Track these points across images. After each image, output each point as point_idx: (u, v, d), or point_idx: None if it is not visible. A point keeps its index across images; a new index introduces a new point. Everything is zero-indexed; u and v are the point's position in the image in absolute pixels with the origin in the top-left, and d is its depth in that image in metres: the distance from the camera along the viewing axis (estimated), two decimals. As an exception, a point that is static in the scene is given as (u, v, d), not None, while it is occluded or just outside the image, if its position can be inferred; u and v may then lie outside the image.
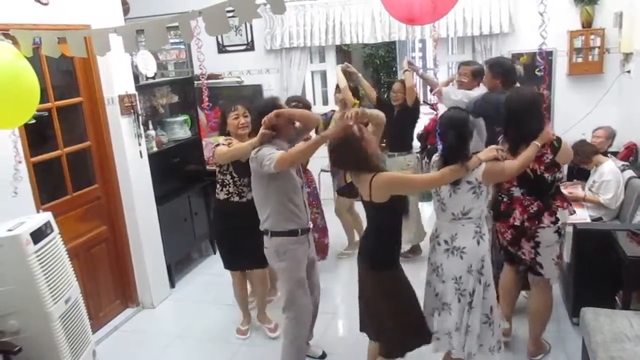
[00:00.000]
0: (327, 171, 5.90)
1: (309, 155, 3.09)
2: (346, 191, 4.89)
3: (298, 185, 3.16)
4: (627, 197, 4.22)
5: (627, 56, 5.20)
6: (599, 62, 5.57)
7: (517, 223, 3.11)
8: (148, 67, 4.68)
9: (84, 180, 4.10)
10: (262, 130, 3.01)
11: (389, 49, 10.61)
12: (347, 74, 4.73)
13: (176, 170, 5.15)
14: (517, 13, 5.66)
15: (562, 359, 3.40)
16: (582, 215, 4.04)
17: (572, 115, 5.57)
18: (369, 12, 5.99)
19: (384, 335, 2.85)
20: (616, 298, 3.35)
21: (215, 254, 5.44)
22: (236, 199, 3.64)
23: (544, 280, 3.21)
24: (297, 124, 3.19)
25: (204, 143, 5.63)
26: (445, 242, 2.85)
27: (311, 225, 3.33)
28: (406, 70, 4.77)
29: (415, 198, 4.95)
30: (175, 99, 5.36)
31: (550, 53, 5.52)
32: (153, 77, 4.85)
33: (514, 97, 3.15)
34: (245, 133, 3.52)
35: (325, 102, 6.94)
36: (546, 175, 3.05)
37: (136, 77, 4.51)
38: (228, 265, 3.87)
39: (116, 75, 4.10)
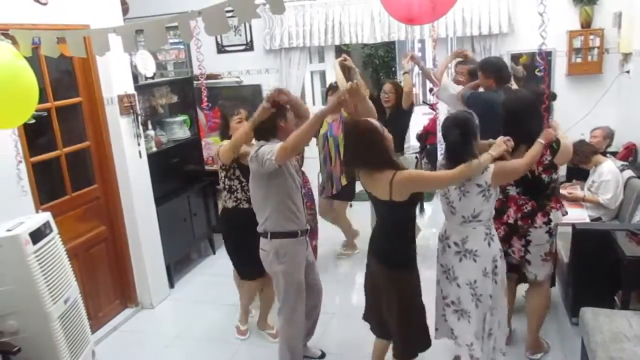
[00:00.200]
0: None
1: (308, 138, 2.98)
2: (344, 194, 4.91)
3: (298, 184, 3.15)
4: (626, 197, 4.22)
5: (626, 56, 5.20)
6: (598, 62, 5.58)
7: (511, 221, 3.14)
8: (147, 67, 4.68)
9: (83, 180, 4.10)
10: (262, 104, 3.02)
11: (389, 49, 10.65)
12: (344, 69, 4.72)
13: (175, 171, 5.15)
14: (516, 13, 5.67)
15: (561, 358, 3.40)
16: (581, 216, 4.05)
17: (571, 115, 5.57)
18: (369, 12, 5.99)
19: (401, 336, 2.83)
20: (615, 298, 3.35)
21: (214, 254, 5.44)
22: (245, 205, 3.51)
23: (539, 282, 3.23)
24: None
25: (203, 143, 5.63)
26: (456, 244, 2.85)
27: (309, 227, 3.32)
28: (405, 73, 4.77)
29: None
30: (175, 99, 5.36)
31: (549, 53, 5.53)
32: (152, 77, 4.85)
33: (512, 99, 3.16)
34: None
35: (325, 102, 6.92)
36: (544, 176, 3.08)
37: (135, 77, 4.50)
38: (247, 275, 3.73)
39: (115, 75, 4.10)
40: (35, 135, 3.61)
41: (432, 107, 6.24)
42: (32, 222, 2.93)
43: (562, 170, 4.40)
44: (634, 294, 3.19)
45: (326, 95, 4.85)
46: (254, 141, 3.14)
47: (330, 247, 5.36)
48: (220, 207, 3.96)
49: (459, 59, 4.71)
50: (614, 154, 4.88)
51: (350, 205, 6.61)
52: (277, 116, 3.04)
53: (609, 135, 4.82)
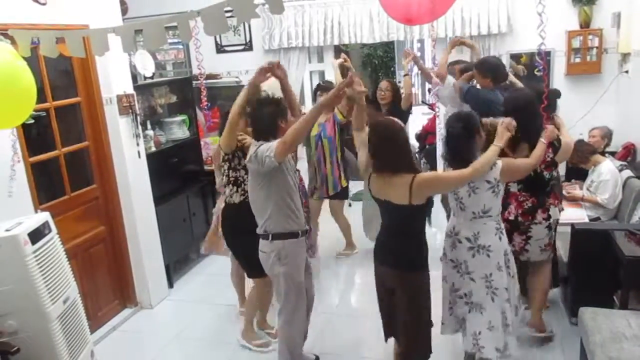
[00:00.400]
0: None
1: (305, 131, 3.00)
2: (340, 194, 4.93)
3: (296, 183, 3.15)
4: (625, 197, 4.23)
5: (625, 56, 5.21)
6: (597, 62, 5.58)
7: (512, 217, 3.21)
8: (146, 67, 4.68)
9: (82, 180, 4.10)
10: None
11: (388, 49, 10.65)
12: (343, 70, 4.72)
13: (174, 171, 5.15)
14: (515, 13, 5.67)
15: (560, 358, 3.40)
16: (580, 215, 4.06)
17: (570, 115, 5.56)
18: (367, 12, 5.99)
19: (408, 339, 2.84)
20: (614, 298, 3.35)
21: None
22: (228, 199, 3.49)
23: (535, 264, 3.35)
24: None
25: (202, 143, 5.63)
26: (468, 239, 2.87)
27: (308, 227, 3.31)
28: (406, 75, 4.78)
29: None
30: (174, 99, 5.36)
31: (548, 53, 5.53)
32: (151, 77, 4.85)
33: (513, 97, 3.19)
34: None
35: (315, 102, 6.94)
36: (545, 173, 3.16)
37: (134, 77, 4.50)
38: (258, 272, 3.42)
39: (114, 75, 4.09)
40: (34, 135, 3.61)
41: (432, 107, 6.23)
42: (31, 222, 2.92)
43: (562, 170, 4.41)
44: (632, 294, 3.19)
45: (315, 95, 4.81)
46: (253, 142, 3.10)
47: (330, 247, 5.36)
48: (219, 204, 3.87)
49: (451, 61, 4.71)
50: (612, 153, 4.89)
51: (350, 205, 6.66)
52: (277, 116, 3.04)
53: (607, 135, 4.83)
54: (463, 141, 2.77)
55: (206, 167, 5.57)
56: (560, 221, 3.40)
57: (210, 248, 4.27)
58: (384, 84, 4.81)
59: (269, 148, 2.86)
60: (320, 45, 6.43)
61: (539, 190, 3.19)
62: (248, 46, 6.62)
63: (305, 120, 2.89)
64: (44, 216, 3.06)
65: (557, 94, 3.44)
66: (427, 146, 6.11)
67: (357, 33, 6.11)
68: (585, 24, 5.56)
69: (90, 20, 3.77)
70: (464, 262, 2.90)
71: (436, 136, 5.83)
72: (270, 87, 3.41)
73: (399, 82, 10.22)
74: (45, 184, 3.73)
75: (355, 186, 7.08)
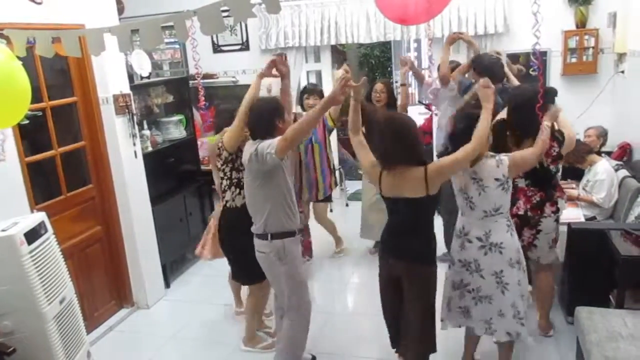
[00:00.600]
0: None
1: (308, 130, 3.01)
2: (327, 197, 4.96)
3: (292, 182, 3.16)
4: (620, 197, 4.24)
5: (621, 56, 5.22)
6: (593, 62, 5.59)
7: (521, 212, 3.27)
8: (143, 66, 4.67)
9: (79, 180, 4.09)
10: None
11: (384, 48, 10.66)
12: None
13: (171, 170, 5.14)
14: (511, 13, 5.67)
15: (556, 358, 3.41)
16: (576, 215, 4.07)
17: (567, 115, 5.57)
18: (364, 12, 5.99)
19: (419, 336, 2.84)
20: (610, 297, 3.36)
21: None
22: (231, 203, 3.44)
23: (544, 266, 3.37)
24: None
25: (199, 143, 5.62)
26: (479, 239, 2.87)
27: (302, 226, 3.31)
28: (403, 85, 4.81)
29: None
30: (170, 98, 5.35)
31: (544, 53, 5.55)
32: (148, 77, 4.84)
33: (517, 93, 3.19)
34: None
35: (301, 106, 6.92)
36: (551, 167, 3.23)
37: (131, 77, 4.50)
38: (254, 278, 3.44)
39: (111, 75, 4.09)
40: (30, 135, 3.60)
41: (428, 107, 6.24)
42: (27, 222, 2.91)
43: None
44: (628, 293, 3.20)
45: (301, 98, 4.77)
46: (250, 141, 3.10)
47: (325, 247, 5.36)
48: (218, 209, 3.80)
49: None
50: (608, 153, 4.90)
51: (347, 205, 6.67)
52: (275, 115, 3.03)
53: (603, 135, 4.85)
54: (466, 136, 2.75)
55: (203, 167, 5.56)
56: (565, 208, 3.51)
57: (208, 253, 4.17)
58: (379, 86, 4.82)
59: (270, 145, 2.86)
60: (317, 45, 6.42)
61: (546, 184, 3.25)
62: (245, 46, 6.61)
63: (308, 119, 2.90)
64: (40, 216, 3.05)
65: (554, 92, 3.46)
66: (424, 146, 6.11)
67: (354, 33, 6.11)
68: (582, 24, 5.57)
69: (86, 20, 3.76)
70: (474, 261, 2.90)
71: (432, 136, 5.83)
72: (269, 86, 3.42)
73: (396, 81, 10.25)
74: (42, 184, 3.73)
75: (353, 186, 7.11)
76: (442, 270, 3.01)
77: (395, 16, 2.67)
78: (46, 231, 3.02)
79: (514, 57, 5.65)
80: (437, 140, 4.82)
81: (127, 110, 4.19)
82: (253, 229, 3.14)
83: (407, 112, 4.85)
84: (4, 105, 2.54)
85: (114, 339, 4.10)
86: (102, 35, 2.56)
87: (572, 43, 5.58)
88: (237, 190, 3.38)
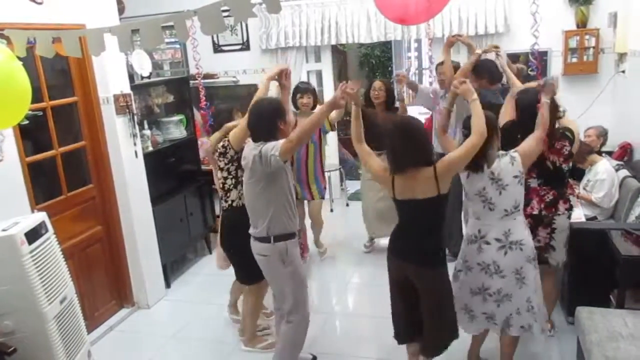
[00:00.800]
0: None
1: (312, 132, 3.03)
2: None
3: (293, 184, 3.16)
4: (621, 197, 4.24)
5: (622, 56, 5.22)
6: (593, 62, 5.59)
7: (536, 212, 3.27)
8: (143, 66, 4.67)
9: (79, 180, 4.09)
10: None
11: (385, 48, 10.63)
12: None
13: (172, 170, 5.14)
14: (512, 13, 5.67)
15: (557, 358, 3.41)
16: (577, 215, 4.06)
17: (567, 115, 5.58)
18: (365, 11, 5.99)
19: (437, 332, 2.87)
20: (611, 297, 3.36)
21: (211, 254, 5.43)
22: (237, 202, 3.42)
23: (549, 268, 3.35)
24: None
25: (199, 143, 5.62)
26: (498, 239, 2.87)
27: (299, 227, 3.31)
28: (401, 101, 4.86)
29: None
30: (171, 98, 5.35)
31: (545, 53, 5.54)
32: (148, 77, 4.84)
33: (525, 96, 3.20)
34: None
35: (321, 101, 6.92)
36: (564, 166, 3.24)
37: (131, 77, 4.49)
38: (260, 276, 3.32)
39: (111, 75, 4.09)
40: (30, 135, 3.60)
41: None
42: (27, 222, 2.91)
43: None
44: (629, 293, 3.20)
45: (294, 97, 4.75)
46: (250, 144, 3.07)
47: (328, 247, 5.36)
48: (220, 206, 3.71)
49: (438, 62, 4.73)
50: (609, 153, 4.90)
51: (347, 204, 6.67)
52: (277, 117, 3.01)
53: (602, 134, 4.84)
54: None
55: (203, 167, 5.56)
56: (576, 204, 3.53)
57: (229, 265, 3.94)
58: (377, 84, 4.85)
59: (274, 147, 2.85)
60: (317, 45, 6.42)
61: (558, 182, 3.28)
62: (245, 46, 6.61)
63: (312, 121, 2.90)
64: (41, 216, 3.05)
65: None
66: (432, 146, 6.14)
67: (355, 33, 6.11)
68: (582, 23, 5.57)
69: (86, 20, 3.76)
70: (493, 263, 2.90)
71: (432, 135, 5.83)
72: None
73: (393, 81, 10.24)
74: (42, 184, 3.72)
75: (353, 186, 7.11)
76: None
77: (394, 16, 2.67)
78: (47, 231, 3.02)
79: (514, 57, 5.65)
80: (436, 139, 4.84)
81: (127, 110, 4.19)
82: (253, 232, 3.11)
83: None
84: (4, 106, 2.54)
85: (114, 338, 4.11)
86: (103, 35, 2.56)
87: (573, 43, 5.58)
88: (237, 192, 3.41)
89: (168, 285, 4.81)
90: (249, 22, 6.29)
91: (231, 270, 3.78)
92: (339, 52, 9.84)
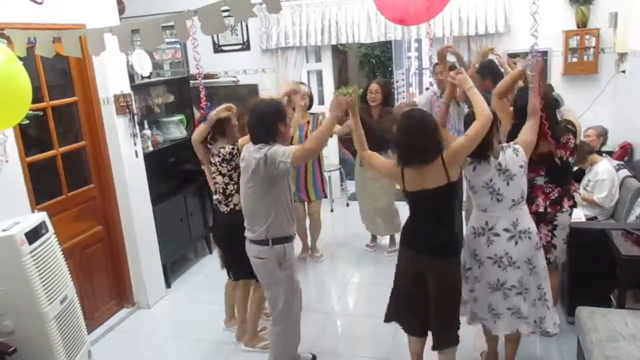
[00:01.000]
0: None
1: (326, 140, 3.04)
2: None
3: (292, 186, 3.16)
4: (621, 197, 4.24)
5: (622, 56, 5.21)
6: (594, 62, 5.59)
7: (541, 210, 3.30)
8: (143, 66, 4.67)
9: (80, 180, 4.09)
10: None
11: (385, 48, 10.62)
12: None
13: (172, 170, 5.14)
14: (512, 13, 5.67)
15: (557, 358, 3.41)
16: (577, 215, 4.06)
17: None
18: (365, 11, 5.99)
19: (451, 323, 2.89)
20: (611, 297, 3.36)
21: (211, 253, 5.43)
22: (240, 206, 3.37)
23: (550, 265, 3.31)
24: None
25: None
26: (507, 230, 2.88)
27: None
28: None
29: (391, 197, 5.05)
30: (171, 98, 5.36)
31: (545, 53, 5.54)
32: (148, 77, 4.85)
33: (520, 95, 3.23)
34: None
35: (321, 101, 6.93)
36: (570, 159, 3.29)
37: (132, 77, 4.50)
38: (252, 273, 3.34)
39: (111, 75, 4.09)
40: (31, 134, 3.60)
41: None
42: (27, 222, 2.91)
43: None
44: (629, 293, 3.21)
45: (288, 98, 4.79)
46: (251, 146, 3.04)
47: (327, 247, 5.37)
48: (214, 207, 3.73)
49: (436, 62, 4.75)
50: (610, 153, 4.90)
51: (348, 205, 6.67)
52: (278, 119, 2.98)
53: (602, 134, 4.85)
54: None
55: (203, 167, 5.54)
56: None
57: None
58: (374, 87, 4.86)
59: (285, 154, 2.84)
60: (317, 45, 6.42)
61: (563, 179, 3.32)
62: (245, 46, 6.61)
63: (323, 132, 2.92)
64: (41, 216, 3.05)
65: (557, 103, 3.58)
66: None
67: (355, 33, 6.11)
68: (582, 23, 5.56)
69: (87, 20, 3.76)
70: (505, 255, 2.89)
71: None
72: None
73: (396, 81, 10.24)
74: (42, 184, 3.72)
75: (353, 186, 7.09)
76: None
77: (394, 16, 2.66)
78: (47, 231, 3.02)
79: (514, 57, 5.65)
80: None
81: (127, 110, 4.20)
82: (250, 235, 3.08)
83: None
84: (5, 106, 2.54)
85: (114, 338, 4.11)
86: (103, 35, 2.56)
87: (573, 43, 5.58)
88: (229, 196, 3.48)
89: (168, 285, 4.81)
90: (249, 22, 6.30)
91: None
92: (339, 52, 9.84)
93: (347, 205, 6.73)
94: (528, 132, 2.96)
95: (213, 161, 3.52)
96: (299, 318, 3.27)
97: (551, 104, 3.18)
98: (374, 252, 5.26)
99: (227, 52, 6.65)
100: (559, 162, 3.25)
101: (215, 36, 6.50)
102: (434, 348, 2.94)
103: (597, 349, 2.68)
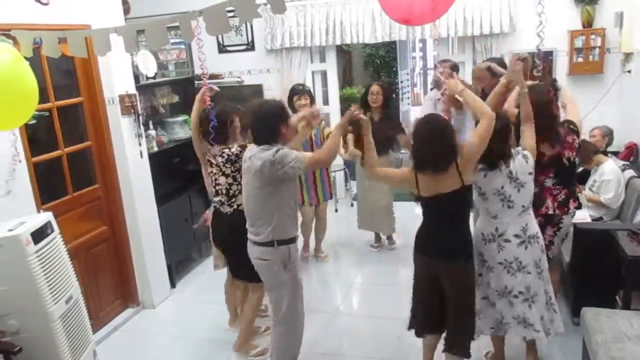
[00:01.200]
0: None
1: (337, 151, 3.07)
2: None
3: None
4: (627, 197, 4.22)
5: (628, 56, 5.19)
6: (599, 62, 5.57)
7: (550, 212, 3.30)
8: (148, 67, 4.69)
9: (85, 180, 4.11)
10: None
11: (389, 48, 10.64)
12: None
13: (176, 170, 5.15)
14: (517, 13, 5.65)
15: (562, 359, 3.39)
16: (582, 215, 4.04)
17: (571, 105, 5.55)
18: (370, 11, 5.99)
19: (467, 325, 2.90)
20: (617, 298, 3.35)
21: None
22: (242, 206, 3.37)
23: (553, 261, 3.38)
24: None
25: (204, 143, 5.62)
26: (517, 235, 2.91)
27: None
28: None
29: (390, 198, 5.11)
30: (176, 98, 5.37)
31: (550, 53, 5.53)
32: (153, 77, 4.85)
33: (537, 91, 3.23)
34: None
35: (326, 101, 6.94)
36: (576, 160, 3.34)
37: (137, 77, 4.51)
38: (256, 277, 3.32)
39: (117, 75, 4.10)
40: (36, 135, 3.61)
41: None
42: (33, 222, 2.93)
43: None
44: (635, 294, 3.19)
45: (290, 100, 4.77)
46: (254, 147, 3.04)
47: (332, 247, 5.37)
48: (214, 206, 3.65)
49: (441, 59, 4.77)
50: (615, 153, 4.88)
51: (352, 205, 6.67)
52: (280, 120, 3.00)
53: (607, 134, 4.83)
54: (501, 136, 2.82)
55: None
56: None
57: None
58: (375, 88, 4.86)
59: (298, 159, 2.86)
60: (322, 45, 6.42)
61: (570, 180, 3.35)
62: (250, 46, 6.62)
63: (334, 142, 2.99)
64: (47, 216, 3.07)
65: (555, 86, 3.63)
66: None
67: (359, 33, 6.11)
68: (588, 23, 5.54)
69: (92, 21, 3.77)
70: (515, 260, 2.91)
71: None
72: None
73: (401, 81, 10.24)
74: (48, 184, 3.74)
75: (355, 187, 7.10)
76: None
77: (399, 16, 2.66)
78: (52, 231, 3.03)
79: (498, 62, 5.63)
80: None
81: (132, 111, 4.21)
82: (254, 237, 3.06)
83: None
84: (12, 106, 2.56)
85: (119, 338, 4.12)
86: (108, 35, 2.57)
87: (579, 43, 5.56)
88: (233, 197, 3.46)
89: (173, 285, 4.82)
90: (253, 22, 6.30)
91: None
92: (344, 52, 9.86)
93: (352, 205, 6.73)
94: (529, 137, 2.97)
95: (214, 162, 3.50)
96: (302, 319, 3.26)
97: (543, 107, 3.12)
98: (378, 252, 5.28)
99: (232, 53, 6.66)
100: (566, 163, 3.26)
101: (219, 37, 6.50)
102: (445, 350, 2.95)
103: (602, 350, 2.67)
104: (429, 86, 9.49)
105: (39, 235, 2.89)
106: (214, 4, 2.28)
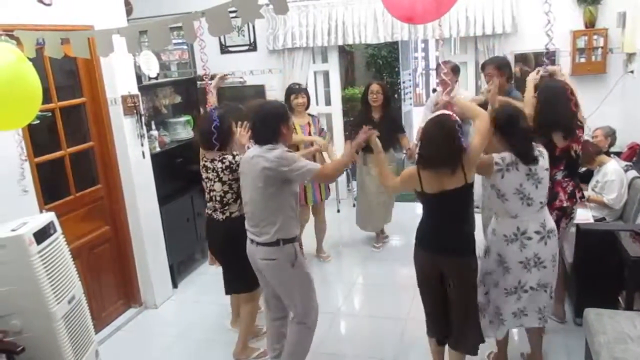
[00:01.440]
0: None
1: (343, 170, 3.23)
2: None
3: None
4: (630, 198, 4.21)
5: (630, 56, 5.18)
6: (602, 62, 5.55)
7: (565, 205, 3.38)
8: (151, 67, 4.69)
9: (87, 180, 4.11)
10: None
11: (392, 49, 10.64)
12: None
13: (179, 171, 5.15)
14: (519, 13, 5.64)
15: (564, 359, 3.39)
16: (585, 216, 4.04)
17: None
18: (372, 12, 5.99)
19: (474, 322, 2.92)
20: (619, 299, 3.34)
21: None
22: (236, 214, 3.42)
23: None
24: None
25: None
26: (537, 232, 2.92)
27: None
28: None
29: (391, 196, 5.22)
30: (178, 99, 5.37)
31: (553, 53, 5.52)
32: (156, 78, 4.86)
33: (547, 88, 3.31)
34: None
35: (328, 102, 6.94)
36: (580, 152, 3.38)
37: (139, 78, 4.52)
38: (252, 284, 3.41)
39: (119, 76, 4.11)
40: (39, 135, 3.62)
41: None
42: (36, 222, 2.93)
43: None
44: (637, 295, 3.18)
45: (287, 99, 4.78)
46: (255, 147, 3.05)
47: (334, 247, 5.36)
48: (209, 213, 3.64)
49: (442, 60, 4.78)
50: (618, 154, 4.87)
51: (354, 205, 6.66)
52: (280, 121, 3.00)
53: (610, 134, 4.82)
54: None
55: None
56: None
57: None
58: (375, 87, 4.88)
59: (305, 168, 2.91)
60: (324, 46, 6.42)
61: (575, 172, 3.44)
62: (252, 47, 6.63)
63: (344, 161, 3.12)
64: (49, 216, 3.07)
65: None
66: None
67: (361, 33, 6.11)
68: (590, 23, 5.53)
69: (95, 21, 3.78)
70: (534, 256, 2.92)
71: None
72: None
73: (403, 82, 10.23)
74: (51, 184, 3.74)
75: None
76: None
77: (402, 15, 2.65)
78: (55, 231, 3.04)
79: (521, 58, 5.64)
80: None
81: (135, 111, 4.21)
82: (258, 239, 3.04)
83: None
84: (16, 106, 2.56)
85: (122, 338, 4.12)
86: (111, 36, 2.57)
87: (581, 43, 5.54)
88: (240, 201, 3.37)
89: (175, 285, 4.82)
90: (256, 23, 6.31)
91: None
92: (346, 53, 9.86)
93: (353, 205, 6.71)
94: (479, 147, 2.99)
95: (212, 166, 3.43)
96: (317, 313, 3.23)
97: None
98: (380, 252, 5.28)
99: (234, 53, 6.66)
100: (574, 155, 3.35)
101: (222, 37, 6.51)
102: (451, 346, 2.96)
103: (605, 351, 2.66)
104: (431, 87, 9.49)
105: (41, 235, 2.90)
106: (217, 4, 2.28)
